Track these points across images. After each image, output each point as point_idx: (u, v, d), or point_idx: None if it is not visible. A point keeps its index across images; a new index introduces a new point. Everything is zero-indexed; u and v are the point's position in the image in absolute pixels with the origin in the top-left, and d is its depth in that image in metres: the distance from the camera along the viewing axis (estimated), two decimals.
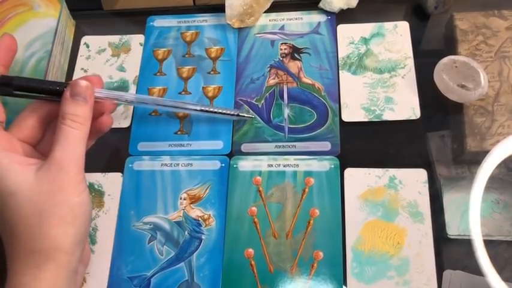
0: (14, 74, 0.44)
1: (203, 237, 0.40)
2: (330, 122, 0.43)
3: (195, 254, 0.40)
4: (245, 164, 0.42)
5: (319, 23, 0.48)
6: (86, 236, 0.35)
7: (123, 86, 0.47)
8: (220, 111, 0.43)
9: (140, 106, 0.45)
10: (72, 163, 0.33)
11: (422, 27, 0.47)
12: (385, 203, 0.39)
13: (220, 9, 0.48)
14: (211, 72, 0.47)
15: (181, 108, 0.42)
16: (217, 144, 0.43)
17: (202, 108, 0.42)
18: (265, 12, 0.49)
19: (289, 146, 0.43)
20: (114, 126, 0.45)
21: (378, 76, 0.45)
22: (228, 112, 0.43)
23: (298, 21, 0.48)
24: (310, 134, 0.43)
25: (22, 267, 0.31)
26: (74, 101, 0.34)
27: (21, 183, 0.32)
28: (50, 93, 0.36)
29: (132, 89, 0.47)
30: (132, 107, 0.46)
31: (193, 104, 0.42)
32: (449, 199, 0.39)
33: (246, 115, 0.44)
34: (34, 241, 0.31)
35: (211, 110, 0.43)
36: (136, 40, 0.50)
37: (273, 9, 0.49)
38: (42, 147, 0.37)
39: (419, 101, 0.43)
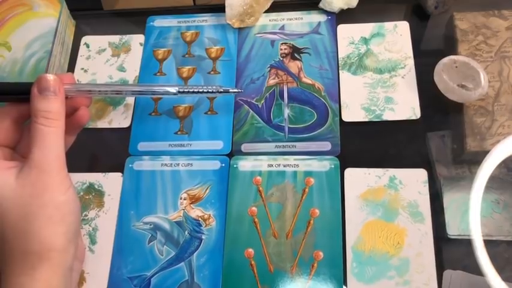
0: (13, 74, 0.44)
1: (203, 237, 0.40)
2: (330, 122, 0.43)
3: (195, 254, 0.40)
4: (245, 164, 0.42)
5: (319, 23, 0.48)
6: (78, 232, 0.35)
7: None
8: (202, 90, 0.41)
9: (116, 96, 0.45)
10: (52, 163, 0.32)
11: (422, 27, 0.47)
12: (385, 203, 0.39)
13: (220, 9, 0.48)
14: (212, 72, 0.47)
15: (160, 94, 0.41)
16: (217, 144, 0.43)
17: (183, 89, 0.40)
18: (265, 12, 0.49)
19: (289, 146, 0.43)
20: (114, 126, 0.45)
21: (378, 76, 0.45)
22: (210, 90, 0.41)
23: (298, 21, 0.48)
24: (310, 134, 0.43)
25: (17, 269, 0.31)
26: (44, 97, 0.33)
27: (3, 188, 0.31)
28: (18, 93, 0.35)
29: None
30: (132, 107, 0.46)
31: (171, 86, 0.40)
32: (449, 199, 0.39)
33: (231, 90, 0.41)
34: (25, 244, 0.31)
35: (192, 90, 0.40)
36: (136, 40, 0.50)
37: (273, 9, 0.49)
38: (21, 148, 0.37)
39: (420, 101, 0.43)
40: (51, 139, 0.33)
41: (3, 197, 0.31)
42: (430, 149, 0.41)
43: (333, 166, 0.41)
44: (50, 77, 0.34)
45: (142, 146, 0.44)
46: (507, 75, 0.41)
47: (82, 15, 0.52)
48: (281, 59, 0.47)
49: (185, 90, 0.40)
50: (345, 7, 0.47)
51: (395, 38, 0.46)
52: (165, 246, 0.40)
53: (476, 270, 0.35)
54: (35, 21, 0.47)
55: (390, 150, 0.42)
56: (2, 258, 0.32)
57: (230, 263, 0.39)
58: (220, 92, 0.41)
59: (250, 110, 0.45)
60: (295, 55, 0.47)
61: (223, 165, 0.42)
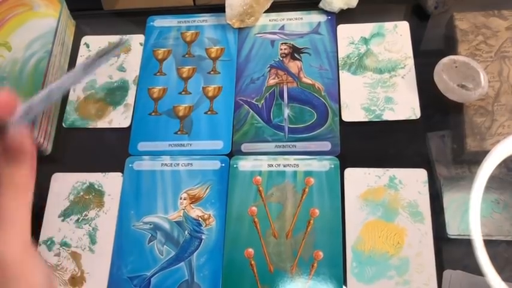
0: (14, 74, 0.45)
1: (203, 237, 0.40)
2: (330, 122, 0.43)
3: (195, 253, 0.40)
4: (245, 164, 0.42)
5: (319, 23, 0.48)
6: None
7: (123, 86, 0.47)
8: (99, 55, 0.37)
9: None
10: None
11: (422, 27, 0.47)
12: (385, 203, 0.39)
13: (220, 9, 0.48)
14: (211, 72, 0.47)
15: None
16: (217, 144, 0.43)
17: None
18: (265, 12, 0.49)
19: (289, 146, 0.43)
20: (114, 126, 0.45)
21: (378, 76, 0.45)
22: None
23: (298, 21, 0.48)
24: (310, 134, 0.43)
25: None
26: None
27: None
28: None
29: (132, 89, 0.47)
30: (132, 107, 0.46)
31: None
32: (449, 199, 0.39)
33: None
34: None
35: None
36: (136, 40, 0.50)
37: (273, 9, 0.49)
38: None
39: (419, 101, 0.43)
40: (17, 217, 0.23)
41: None
42: (430, 149, 0.41)
43: (332, 166, 0.41)
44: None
45: (142, 146, 0.44)
46: (507, 75, 0.41)
47: (82, 15, 0.52)
48: (281, 59, 0.47)
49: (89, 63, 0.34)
50: (345, 7, 0.47)
51: (395, 38, 0.46)
52: (165, 246, 0.40)
53: (476, 270, 0.35)
54: (35, 21, 0.47)
55: (390, 150, 0.42)
56: None
57: (230, 263, 0.39)
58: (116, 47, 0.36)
59: (250, 109, 0.45)
60: (295, 55, 0.47)
61: (223, 165, 0.42)
